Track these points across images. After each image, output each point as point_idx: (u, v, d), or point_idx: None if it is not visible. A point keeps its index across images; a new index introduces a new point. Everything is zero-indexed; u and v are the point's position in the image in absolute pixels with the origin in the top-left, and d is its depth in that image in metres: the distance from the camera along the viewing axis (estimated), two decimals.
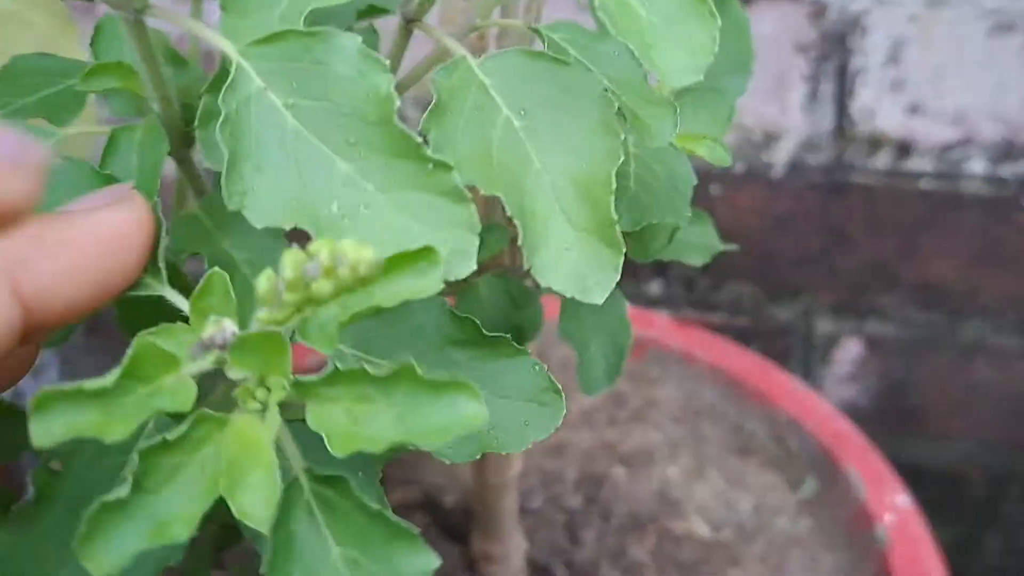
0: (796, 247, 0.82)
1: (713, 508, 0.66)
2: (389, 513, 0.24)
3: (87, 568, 0.20)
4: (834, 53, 0.72)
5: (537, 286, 0.38)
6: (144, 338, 0.23)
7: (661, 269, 0.88)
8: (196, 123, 0.28)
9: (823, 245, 0.81)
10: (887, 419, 0.90)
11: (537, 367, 0.26)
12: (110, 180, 0.27)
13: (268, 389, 0.23)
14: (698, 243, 0.40)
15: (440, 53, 0.31)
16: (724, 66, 0.36)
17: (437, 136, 0.27)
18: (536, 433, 0.26)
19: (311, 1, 0.27)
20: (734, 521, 0.65)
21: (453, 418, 0.22)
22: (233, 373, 0.23)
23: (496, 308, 0.40)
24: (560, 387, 0.27)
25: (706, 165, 0.80)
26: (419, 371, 0.22)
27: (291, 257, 0.21)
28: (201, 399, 0.23)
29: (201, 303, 0.24)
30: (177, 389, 0.22)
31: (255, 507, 0.21)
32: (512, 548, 0.59)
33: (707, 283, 0.87)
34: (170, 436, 0.22)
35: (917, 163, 0.75)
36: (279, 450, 0.23)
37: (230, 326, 0.23)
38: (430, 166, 0.25)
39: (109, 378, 0.22)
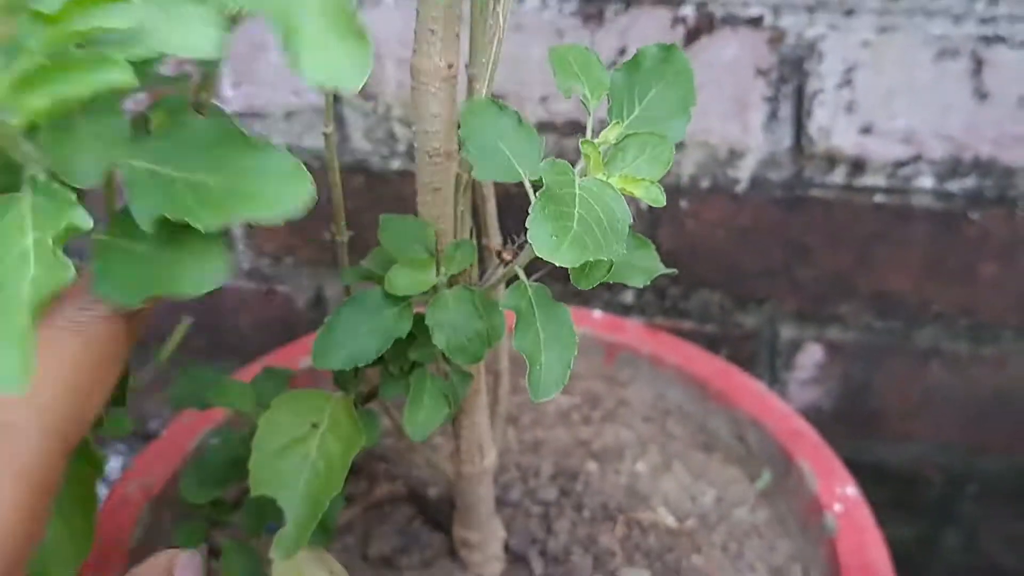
0: (760, 258, 0.87)
1: (678, 500, 0.71)
2: None
3: None
4: (792, 76, 0.77)
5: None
6: None
7: None
8: None
9: (785, 256, 0.86)
10: (848, 421, 0.95)
11: (287, 155, 0.30)
12: None
13: None
14: (641, 266, 0.44)
15: None
16: (667, 110, 0.40)
17: None
18: (292, 202, 0.29)
19: None
20: (697, 512, 0.70)
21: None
22: None
23: (463, 317, 0.44)
24: (304, 169, 0.30)
25: (675, 180, 0.85)
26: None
27: None
28: None
29: None
30: None
31: None
32: (490, 535, 0.64)
33: (677, 292, 0.91)
34: None
35: (870, 179, 0.80)
36: None
37: None
38: None
39: None
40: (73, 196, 0.31)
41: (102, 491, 0.79)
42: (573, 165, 0.36)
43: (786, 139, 0.80)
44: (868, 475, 0.97)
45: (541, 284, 0.41)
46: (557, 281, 0.61)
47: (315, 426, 0.46)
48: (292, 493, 0.44)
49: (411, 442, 0.75)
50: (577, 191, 0.34)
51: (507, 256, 0.42)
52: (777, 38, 0.76)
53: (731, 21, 0.75)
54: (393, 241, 0.44)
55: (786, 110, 0.79)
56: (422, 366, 0.48)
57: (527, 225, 0.32)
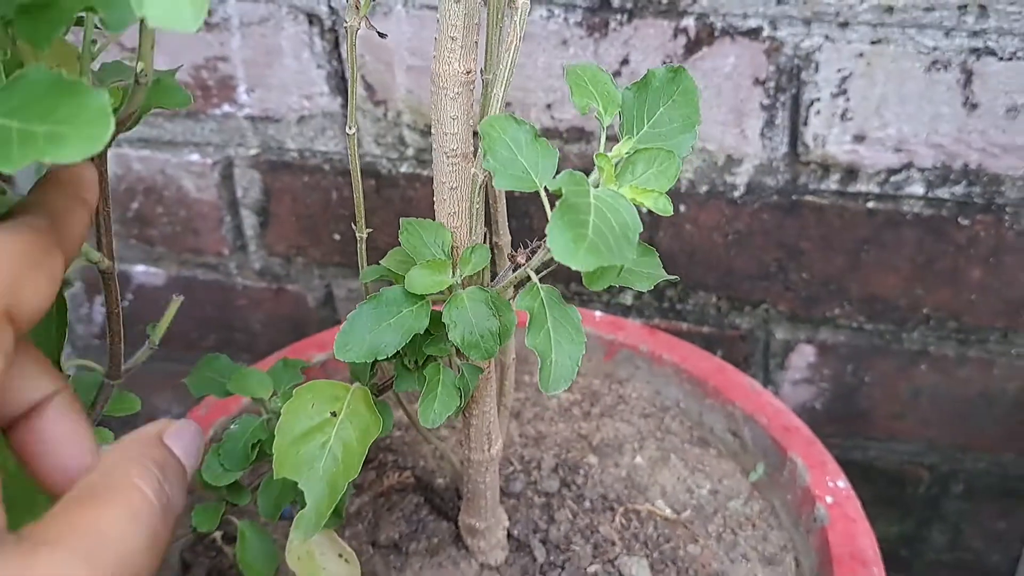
0: (755, 261, 0.90)
1: (675, 492, 0.74)
2: None
3: None
4: (789, 86, 0.80)
5: (514, 297, 0.45)
6: None
7: None
8: None
9: (779, 260, 0.89)
10: (839, 420, 0.98)
11: (99, 96, 0.31)
12: None
13: None
14: (645, 273, 0.47)
15: None
16: (674, 128, 0.44)
17: None
18: (91, 145, 0.30)
19: None
20: (693, 503, 0.73)
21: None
22: None
23: (477, 315, 0.47)
24: (111, 113, 0.30)
25: (675, 187, 0.88)
26: None
27: None
28: None
29: None
30: None
31: None
32: (495, 523, 0.66)
33: (675, 294, 0.94)
34: None
35: (863, 186, 0.83)
36: None
37: None
38: None
39: None
40: None
41: None
42: (577, 171, 0.39)
43: (782, 146, 0.83)
44: (857, 473, 1.00)
45: (552, 287, 0.44)
46: (559, 282, 0.64)
47: (334, 414, 0.48)
48: (312, 477, 0.47)
49: (419, 435, 0.78)
50: (592, 201, 0.36)
51: (520, 260, 0.44)
52: (774, 48, 0.78)
53: (730, 32, 0.78)
54: (412, 243, 0.47)
55: (782, 118, 0.81)
56: (436, 360, 0.51)
57: (546, 232, 0.34)
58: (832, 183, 0.84)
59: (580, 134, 0.85)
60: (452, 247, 0.48)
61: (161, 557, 0.32)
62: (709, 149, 0.85)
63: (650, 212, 0.94)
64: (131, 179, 0.97)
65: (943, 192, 0.83)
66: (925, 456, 0.99)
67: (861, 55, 0.77)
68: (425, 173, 0.91)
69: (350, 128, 0.47)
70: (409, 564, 0.67)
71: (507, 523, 0.68)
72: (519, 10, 0.42)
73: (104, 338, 0.94)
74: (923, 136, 0.80)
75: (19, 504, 0.38)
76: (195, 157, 0.94)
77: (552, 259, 0.44)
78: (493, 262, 0.51)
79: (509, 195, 0.54)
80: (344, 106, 0.89)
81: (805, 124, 0.82)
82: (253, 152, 0.93)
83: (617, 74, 0.82)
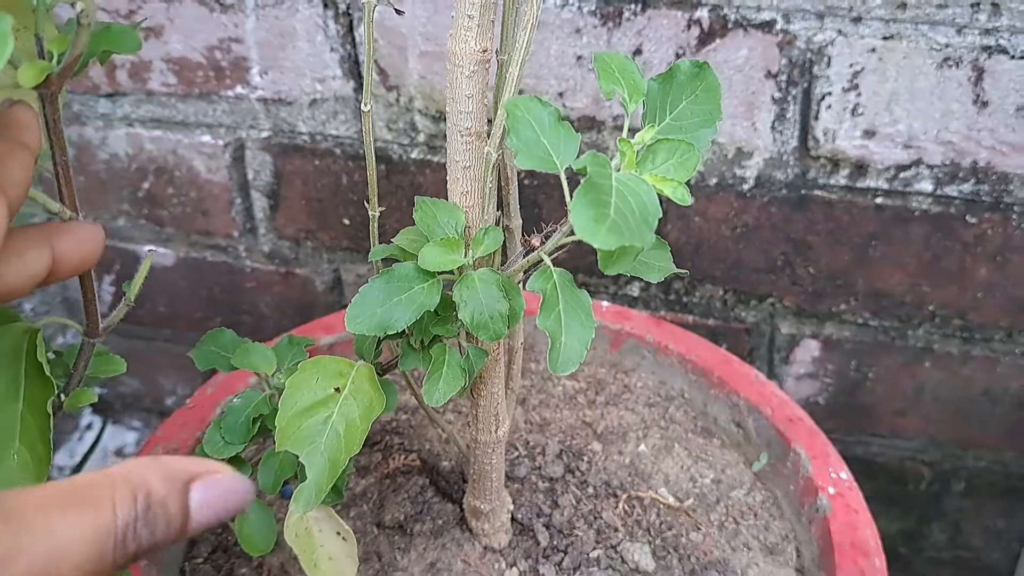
0: (762, 255, 0.90)
1: (678, 480, 0.74)
2: None
3: None
4: (801, 79, 0.80)
5: (523, 281, 0.45)
6: None
7: None
8: None
9: (787, 254, 0.89)
10: (841, 415, 0.98)
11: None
12: None
13: None
14: (656, 264, 0.47)
15: None
16: (695, 122, 0.44)
17: None
18: None
19: None
20: (696, 492, 0.73)
21: None
22: None
23: (488, 296, 0.47)
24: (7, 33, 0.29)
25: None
26: None
27: None
28: None
29: None
30: None
31: None
32: (499, 506, 0.67)
33: (681, 286, 0.95)
34: None
35: (872, 181, 0.84)
36: None
37: None
38: None
39: None
40: None
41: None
42: (601, 154, 0.39)
43: (792, 140, 0.83)
44: (858, 469, 1.00)
45: (564, 270, 0.45)
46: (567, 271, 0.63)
47: (338, 390, 0.49)
48: (314, 451, 0.47)
49: (425, 418, 0.79)
50: (614, 183, 0.37)
51: (535, 243, 0.45)
52: (787, 42, 0.79)
53: (743, 24, 0.79)
54: (426, 221, 0.47)
55: (793, 112, 0.82)
56: (442, 341, 0.51)
57: (568, 209, 0.35)
58: (841, 178, 0.84)
59: (592, 123, 0.86)
60: (465, 227, 0.48)
61: None
62: (719, 141, 0.85)
63: (659, 203, 0.94)
64: (142, 159, 0.98)
65: (951, 190, 0.83)
66: (927, 453, 0.99)
67: (873, 50, 0.78)
68: (436, 159, 0.91)
69: (365, 105, 0.47)
70: (413, 545, 0.68)
71: (511, 506, 0.69)
72: None
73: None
74: (933, 133, 0.80)
75: None
76: (207, 138, 0.95)
77: (563, 246, 0.45)
78: (503, 245, 0.51)
79: (518, 184, 0.55)
80: (356, 90, 0.89)
81: (816, 118, 0.82)
82: (265, 134, 0.94)
83: None
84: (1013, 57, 0.75)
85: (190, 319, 1.09)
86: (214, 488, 0.34)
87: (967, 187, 0.82)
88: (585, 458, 0.75)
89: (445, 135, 0.89)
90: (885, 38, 0.77)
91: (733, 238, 0.90)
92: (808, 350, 0.95)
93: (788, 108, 0.82)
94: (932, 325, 0.91)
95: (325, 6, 0.85)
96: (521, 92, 0.86)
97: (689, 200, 0.40)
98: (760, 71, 0.81)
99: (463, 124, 0.45)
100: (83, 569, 0.31)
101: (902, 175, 0.83)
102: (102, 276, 1.09)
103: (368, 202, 0.52)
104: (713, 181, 0.87)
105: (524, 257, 0.46)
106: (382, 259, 0.52)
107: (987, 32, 0.75)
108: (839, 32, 0.77)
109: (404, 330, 0.49)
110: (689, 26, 0.80)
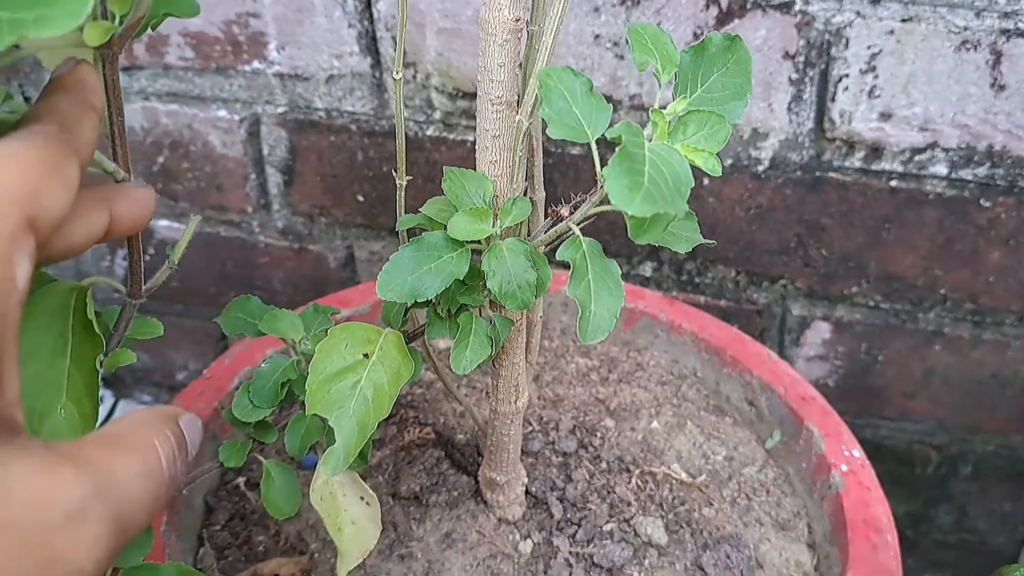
0: (776, 237, 0.90)
1: (691, 457, 0.75)
2: None
3: None
4: (818, 61, 0.81)
5: (551, 252, 0.46)
6: None
7: (654, 253, 0.96)
8: None
9: (800, 235, 0.90)
10: (851, 397, 0.99)
11: None
12: None
13: None
14: (684, 235, 0.48)
15: None
16: (727, 94, 0.45)
17: None
18: (75, 18, 0.29)
19: None
20: (709, 468, 0.74)
21: None
22: None
23: (516, 266, 0.48)
24: None
25: None
26: None
27: None
28: None
29: None
30: None
31: None
32: (514, 479, 0.67)
33: (694, 267, 0.95)
34: None
35: (887, 164, 0.84)
36: None
37: None
38: None
39: None
40: None
41: None
42: (634, 124, 0.39)
43: (808, 122, 0.84)
44: (867, 451, 1.00)
45: (594, 240, 0.45)
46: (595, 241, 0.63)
47: (367, 356, 0.49)
48: (343, 415, 0.48)
49: (440, 392, 0.79)
50: (647, 152, 0.37)
51: (564, 213, 0.45)
52: (805, 23, 0.79)
53: (762, 5, 0.79)
54: (455, 191, 0.48)
55: (810, 93, 0.82)
56: (468, 310, 0.51)
57: (602, 175, 0.35)
58: (856, 160, 0.85)
59: (608, 102, 0.86)
60: (493, 197, 0.49)
61: (150, 520, 0.34)
62: (735, 122, 0.85)
63: None
64: (158, 133, 0.98)
65: (966, 173, 0.83)
66: (935, 436, 1.00)
67: (891, 32, 0.78)
68: (452, 137, 0.91)
69: (397, 73, 0.48)
70: (429, 516, 0.68)
71: (526, 479, 0.69)
72: None
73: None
74: (949, 116, 0.80)
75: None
76: (223, 113, 0.95)
77: (590, 217, 0.45)
78: (531, 217, 0.52)
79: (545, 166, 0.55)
80: (373, 67, 0.89)
81: (832, 100, 0.82)
82: (281, 110, 0.94)
83: None
84: None
85: (203, 294, 1.10)
86: (192, 426, 0.38)
87: (982, 171, 0.83)
88: (598, 434, 0.76)
89: (461, 112, 0.89)
90: (903, 20, 0.77)
91: (747, 219, 0.90)
92: (819, 332, 0.96)
93: (805, 89, 0.82)
94: (943, 308, 0.91)
95: None
96: None
97: (719, 171, 0.40)
98: (778, 52, 0.81)
99: (494, 93, 0.45)
100: (146, 510, 0.32)
101: (917, 158, 0.83)
102: (115, 251, 1.10)
103: (396, 171, 0.52)
104: (728, 162, 0.87)
105: (552, 227, 0.46)
106: (407, 230, 0.52)
107: (1006, 15, 0.75)
108: (857, 14, 0.78)
109: (431, 299, 0.50)
110: (708, 5, 0.80)
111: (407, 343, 0.55)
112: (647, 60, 0.43)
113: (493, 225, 0.48)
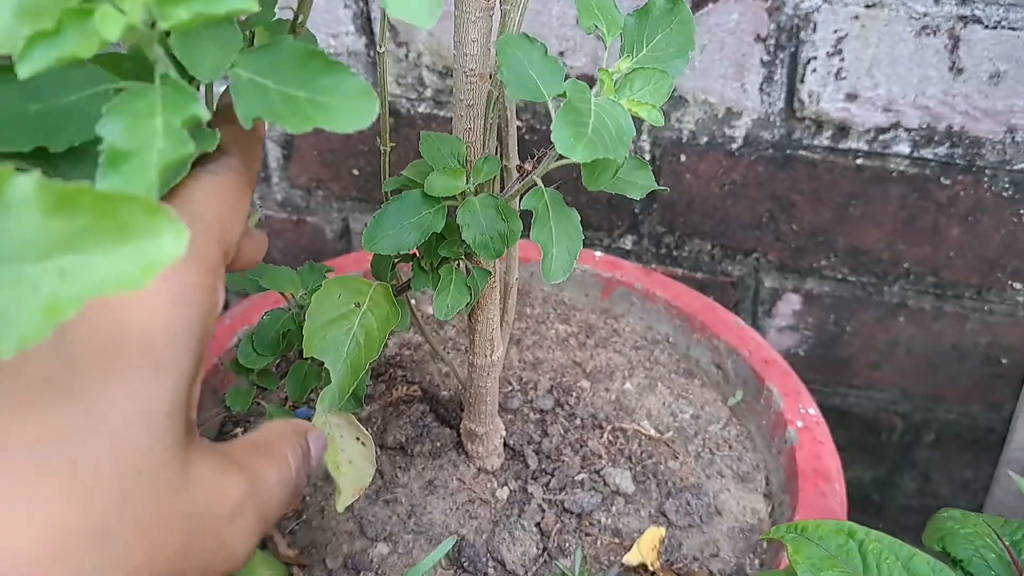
0: (749, 211, 0.95)
1: (660, 415, 0.80)
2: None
3: None
4: (788, 44, 0.85)
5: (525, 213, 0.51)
6: None
7: (634, 227, 1.01)
8: None
9: (771, 211, 0.95)
10: (820, 367, 1.04)
11: (359, 78, 0.35)
12: None
13: None
14: (638, 183, 0.52)
15: None
16: (670, 52, 0.49)
17: None
18: (360, 118, 0.34)
19: None
20: (676, 425, 0.79)
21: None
22: None
23: (488, 218, 0.52)
24: (373, 91, 0.35)
25: (676, 136, 0.93)
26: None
27: None
28: None
29: None
30: None
31: None
32: (493, 431, 0.72)
33: (672, 240, 1.00)
34: None
35: (853, 143, 0.89)
36: None
37: None
38: None
39: None
40: (195, 91, 0.38)
41: None
42: (581, 81, 0.44)
43: (779, 102, 0.88)
44: (835, 419, 1.06)
45: (555, 190, 0.50)
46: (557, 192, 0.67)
47: (358, 305, 0.54)
48: (337, 358, 0.52)
49: (427, 354, 0.84)
50: (592, 106, 0.42)
51: (527, 168, 0.50)
52: (776, 7, 0.83)
53: None
54: (431, 153, 0.52)
55: (781, 75, 0.87)
56: (449, 262, 0.56)
57: (552, 129, 0.40)
58: (824, 139, 0.89)
59: (590, 80, 0.90)
60: (466, 158, 0.53)
61: (272, 525, 0.40)
62: (711, 101, 0.90)
63: (652, 160, 0.99)
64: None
65: (927, 152, 0.88)
66: (900, 404, 1.05)
67: (856, 17, 0.82)
68: (442, 114, 0.96)
69: (380, 47, 0.52)
70: (413, 464, 0.74)
71: (504, 433, 0.74)
72: None
73: None
74: (911, 98, 0.85)
75: None
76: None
77: (555, 170, 0.50)
78: (503, 179, 0.57)
79: (519, 138, 0.60)
80: (368, 46, 0.94)
81: (802, 81, 0.87)
82: None
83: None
84: (987, 27, 0.80)
85: None
86: (317, 439, 0.43)
87: (942, 150, 0.87)
88: (574, 394, 0.81)
89: (451, 90, 0.94)
90: (868, 6, 0.82)
91: (721, 195, 0.95)
92: (790, 303, 1.01)
93: (776, 71, 0.87)
94: (907, 282, 0.96)
95: None
96: None
97: (661, 121, 0.45)
98: (750, 35, 0.85)
99: (468, 65, 0.50)
100: (279, 512, 0.38)
101: (881, 137, 0.88)
102: None
103: (380, 137, 0.57)
104: (704, 140, 0.92)
105: (520, 183, 0.51)
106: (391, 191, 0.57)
107: (963, 2, 0.80)
108: None
109: (415, 254, 0.55)
110: None
111: (395, 295, 0.60)
112: (592, 24, 0.47)
113: (467, 182, 0.52)
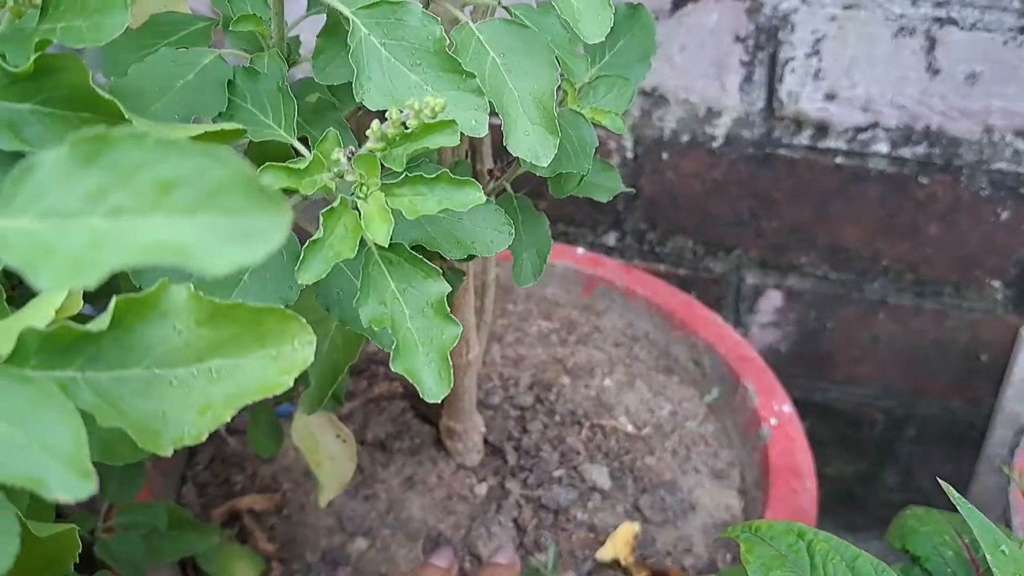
0: (730, 209, 0.96)
1: (638, 412, 0.81)
2: (425, 263, 0.39)
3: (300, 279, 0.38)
4: (767, 44, 0.86)
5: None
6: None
7: (617, 224, 1.01)
8: (313, 55, 0.43)
9: (753, 208, 0.95)
10: (802, 363, 1.05)
11: (500, 210, 0.41)
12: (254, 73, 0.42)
13: (369, 186, 0.38)
14: (605, 185, 0.54)
15: (451, 19, 0.46)
16: (631, 58, 0.50)
17: None
18: (497, 246, 0.42)
19: None
20: (654, 422, 0.80)
21: (470, 199, 0.37)
22: (350, 176, 0.38)
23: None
24: (512, 225, 0.42)
25: (658, 134, 0.93)
26: (451, 175, 0.37)
27: (394, 110, 0.36)
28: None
29: (322, 146, 0.39)
30: (327, 184, 0.39)
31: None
32: (472, 427, 0.74)
33: (655, 237, 1.01)
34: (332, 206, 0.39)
35: (832, 142, 0.89)
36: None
37: (349, 151, 0.38)
38: (464, 76, 0.39)
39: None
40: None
41: None
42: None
43: (759, 101, 0.89)
44: (818, 414, 1.07)
45: (524, 196, 0.51)
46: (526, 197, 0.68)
47: None
48: (317, 361, 0.54)
49: None
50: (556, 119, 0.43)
51: (497, 173, 0.51)
52: (755, 8, 0.84)
53: None
54: None
55: (760, 75, 0.87)
56: None
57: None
58: (804, 138, 0.90)
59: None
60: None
61: None
62: (692, 101, 0.91)
63: (635, 158, 0.99)
64: None
65: (906, 151, 0.89)
66: (881, 400, 1.06)
67: (834, 19, 0.83)
68: None
69: None
70: (393, 460, 0.75)
71: (483, 429, 0.75)
72: None
73: None
74: (889, 97, 0.86)
75: None
76: None
77: (527, 173, 0.51)
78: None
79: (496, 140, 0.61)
80: None
81: (780, 81, 0.87)
82: None
83: None
84: (963, 28, 0.81)
85: None
86: None
87: (920, 149, 0.88)
88: (554, 390, 0.82)
89: None
90: (845, 7, 0.82)
91: (703, 192, 0.96)
92: (771, 300, 1.02)
93: (755, 71, 0.88)
94: (886, 279, 0.97)
95: None
96: None
97: (623, 129, 0.46)
98: (729, 35, 0.86)
99: None
100: None
101: (860, 136, 0.89)
102: None
103: None
104: (685, 138, 0.93)
105: (490, 185, 0.52)
106: None
107: (939, 4, 0.80)
108: (802, 1, 0.83)
109: None
110: None
111: None
112: None
113: None
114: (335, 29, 0.43)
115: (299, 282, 0.38)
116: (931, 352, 1.00)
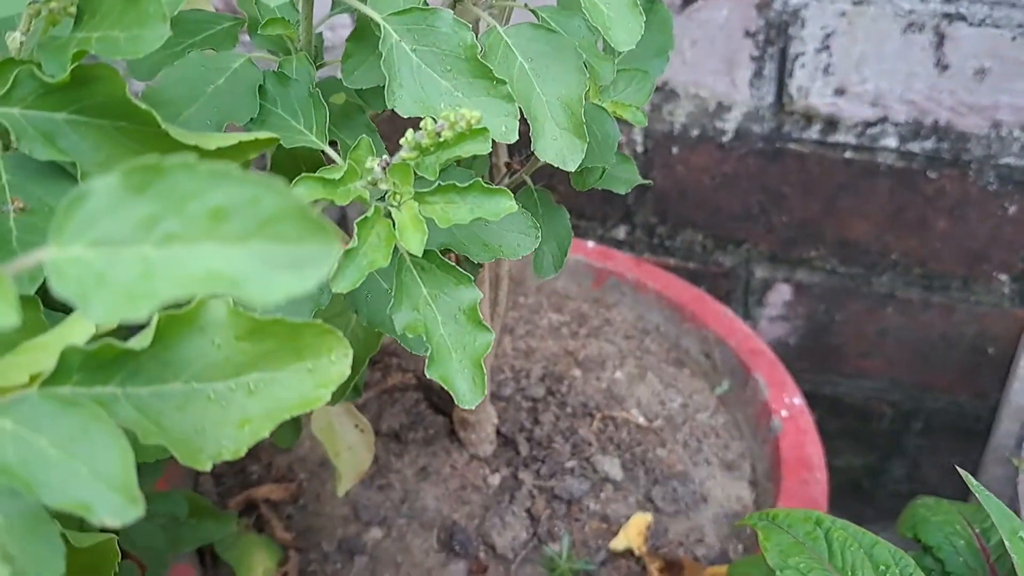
0: (740, 203, 0.97)
1: (649, 404, 0.82)
2: (457, 269, 0.40)
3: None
4: (777, 39, 0.86)
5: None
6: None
7: (627, 217, 1.02)
8: (342, 59, 0.44)
9: (762, 203, 0.96)
10: (811, 356, 1.06)
11: (526, 214, 0.43)
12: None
13: (402, 195, 0.39)
14: (624, 178, 0.54)
15: (474, 18, 0.46)
16: (650, 52, 0.51)
17: None
18: (523, 250, 0.43)
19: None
20: (665, 414, 0.81)
21: (502, 208, 0.38)
22: (384, 184, 0.39)
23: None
24: (539, 228, 0.43)
25: (669, 128, 0.94)
26: (483, 183, 0.38)
27: (428, 121, 0.37)
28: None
29: (355, 154, 0.39)
30: (361, 194, 0.40)
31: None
32: (485, 418, 0.74)
33: (665, 231, 1.01)
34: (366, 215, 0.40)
35: (842, 136, 0.90)
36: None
37: (383, 161, 0.39)
38: (494, 82, 0.40)
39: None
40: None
41: None
42: None
43: (769, 96, 0.90)
44: (826, 407, 1.08)
45: (544, 189, 0.52)
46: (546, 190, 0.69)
47: None
48: None
49: None
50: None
51: (516, 166, 0.52)
52: (765, 4, 0.85)
53: None
54: None
55: (770, 70, 0.88)
56: None
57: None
58: (813, 133, 0.91)
59: None
60: None
61: None
62: (701, 96, 0.91)
63: (646, 152, 1.00)
64: None
65: (914, 146, 0.89)
66: (889, 393, 1.07)
67: (844, 14, 0.84)
68: None
69: None
70: (407, 451, 0.76)
71: (496, 420, 0.76)
72: None
73: None
74: (898, 93, 0.87)
75: None
76: None
77: (545, 165, 0.52)
78: (492, 176, 0.58)
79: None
80: None
81: (790, 76, 0.88)
82: None
83: None
84: (971, 24, 0.81)
85: None
86: None
87: (929, 144, 0.89)
88: (565, 382, 0.83)
89: None
90: (855, 3, 0.83)
91: (713, 186, 0.97)
92: (780, 294, 1.02)
93: (765, 66, 0.88)
94: (895, 273, 0.97)
95: None
96: None
97: (644, 122, 0.47)
98: (739, 31, 0.87)
99: None
100: None
101: (869, 131, 0.89)
102: None
103: None
104: (696, 133, 0.94)
105: (508, 178, 0.53)
106: None
107: (948, 0, 0.81)
108: None
109: None
110: None
111: None
112: None
113: None
114: (364, 33, 0.44)
115: (334, 291, 0.39)
116: (939, 345, 1.01)
